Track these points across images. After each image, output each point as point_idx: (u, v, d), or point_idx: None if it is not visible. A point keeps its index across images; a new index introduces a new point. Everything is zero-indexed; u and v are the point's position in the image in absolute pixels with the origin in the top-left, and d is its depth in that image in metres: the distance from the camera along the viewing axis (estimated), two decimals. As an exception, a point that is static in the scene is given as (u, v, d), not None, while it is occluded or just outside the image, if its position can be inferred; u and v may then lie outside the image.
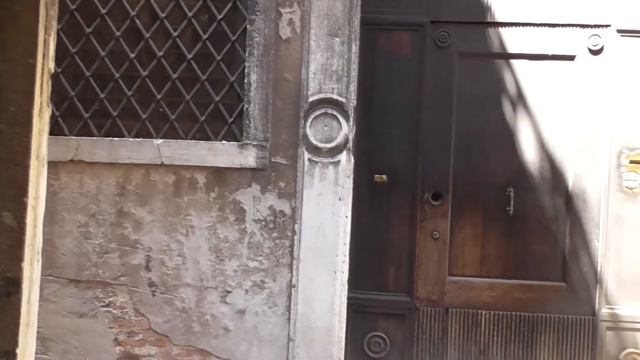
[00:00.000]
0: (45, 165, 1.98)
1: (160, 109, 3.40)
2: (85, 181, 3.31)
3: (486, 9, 3.55)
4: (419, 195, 3.49)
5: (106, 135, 3.37)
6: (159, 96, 3.39)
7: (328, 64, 3.26)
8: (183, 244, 3.29)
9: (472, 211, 3.51)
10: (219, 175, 3.28)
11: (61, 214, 3.29)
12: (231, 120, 3.38)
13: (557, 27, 3.53)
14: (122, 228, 3.30)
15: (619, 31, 3.47)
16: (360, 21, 3.32)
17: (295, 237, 3.23)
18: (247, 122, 3.29)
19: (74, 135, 3.36)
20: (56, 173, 3.25)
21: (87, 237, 3.30)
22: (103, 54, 3.39)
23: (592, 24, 3.50)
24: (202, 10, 3.40)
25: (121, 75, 3.40)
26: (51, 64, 2.09)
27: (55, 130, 3.14)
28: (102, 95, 3.40)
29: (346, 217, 3.23)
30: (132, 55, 3.39)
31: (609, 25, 3.48)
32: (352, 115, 3.25)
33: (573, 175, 3.48)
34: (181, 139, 3.36)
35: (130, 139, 3.33)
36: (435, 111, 3.52)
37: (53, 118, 2.92)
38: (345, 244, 3.23)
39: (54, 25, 2.11)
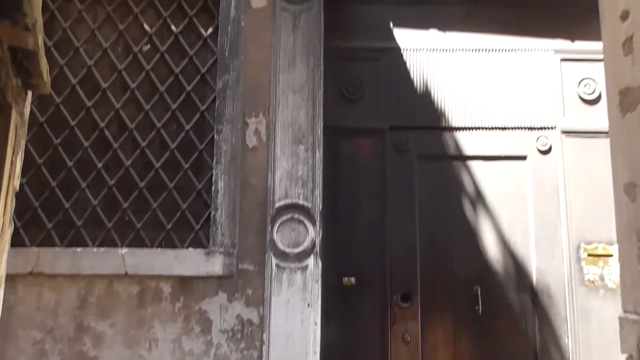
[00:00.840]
0: (3, 285, 1.92)
1: (126, 218, 3.38)
2: (44, 294, 3.18)
3: (441, 115, 3.80)
4: (388, 297, 3.49)
5: (69, 246, 3.30)
6: (125, 205, 3.38)
7: (293, 170, 3.36)
8: (146, 359, 3.13)
9: (441, 311, 3.51)
10: (185, 284, 3.22)
11: (16, 330, 3.13)
12: (198, 227, 3.38)
13: (507, 130, 3.79)
14: (80, 344, 3.14)
15: (564, 132, 3.74)
16: (323, 128, 3.48)
17: (264, 347, 3.13)
18: (214, 228, 3.30)
19: (35, 246, 3.28)
20: (13, 287, 3.13)
21: (42, 355, 3.12)
22: (70, 164, 3.41)
23: (539, 126, 3.76)
24: (170, 120, 3.52)
25: (88, 185, 3.40)
26: (17, 182, 2.10)
27: (15, 241, 3.06)
28: (67, 205, 3.37)
29: (315, 323, 3.17)
30: (100, 165, 3.43)
31: (554, 127, 3.75)
32: (319, 219, 3.31)
33: (536, 271, 3.56)
34: (147, 247, 3.32)
35: (94, 249, 3.27)
36: (399, 212, 3.62)
37: (14, 229, 2.88)
38: (315, 352, 3.14)
39: (22, 144, 2.15)
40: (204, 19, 3.62)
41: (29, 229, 3.34)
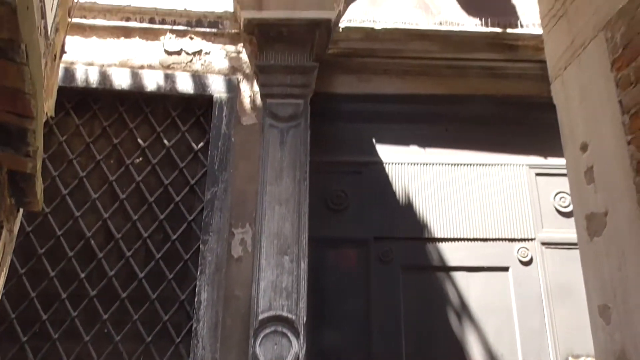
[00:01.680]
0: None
1: (105, 330, 3.30)
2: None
3: (424, 225, 3.89)
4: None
5: (42, 361, 3.18)
6: (105, 316, 3.32)
7: (278, 281, 3.36)
8: None
9: None
10: (162, 404, 3.08)
11: None
12: (179, 340, 3.30)
13: (488, 241, 3.87)
14: None
15: (543, 243, 3.83)
16: (309, 239, 3.53)
17: None
18: (195, 341, 3.22)
19: (6, 362, 3.15)
20: (-21, 406, 2.96)
21: None
22: (52, 274, 3.39)
23: (519, 237, 3.86)
24: (157, 230, 3.56)
25: (68, 295, 3.35)
26: (-2, 297, 2.08)
27: (-14, 356, 2.96)
28: (44, 317, 3.29)
29: None
30: (83, 275, 3.40)
31: (534, 239, 3.84)
32: (303, 332, 3.26)
33: (526, 386, 3.47)
34: (124, 361, 3.21)
35: (68, 365, 3.15)
36: (385, 324, 3.58)
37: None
38: None
39: (8, 259, 2.16)
40: (195, 133, 3.80)
41: (2, 343, 3.23)
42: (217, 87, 3.80)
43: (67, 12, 2.22)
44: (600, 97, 1.64)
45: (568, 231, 3.85)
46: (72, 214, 3.53)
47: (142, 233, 3.53)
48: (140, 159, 3.70)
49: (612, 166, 1.57)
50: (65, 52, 2.19)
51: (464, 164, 4.05)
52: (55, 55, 2.08)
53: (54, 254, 3.46)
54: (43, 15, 1.72)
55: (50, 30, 1.90)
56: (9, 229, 1.91)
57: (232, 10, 3.95)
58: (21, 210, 2.05)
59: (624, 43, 1.53)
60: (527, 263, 3.80)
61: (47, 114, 2.12)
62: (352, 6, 4.25)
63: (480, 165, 4.05)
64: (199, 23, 3.96)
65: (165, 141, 3.75)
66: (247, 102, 3.81)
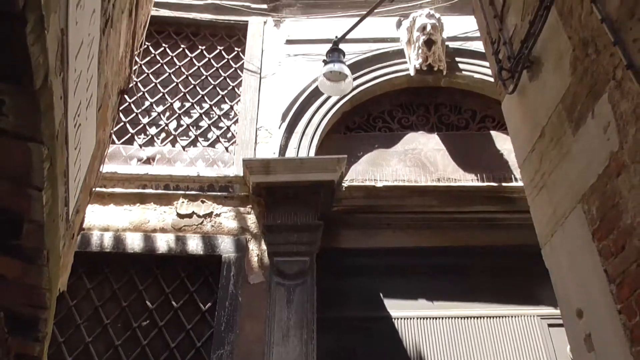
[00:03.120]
0: None
1: None
2: None
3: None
4: None
5: None
6: None
7: None
8: None
9: None
10: None
11: None
12: None
13: None
14: None
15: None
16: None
17: None
18: None
19: None
20: None
21: None
22: None
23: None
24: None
25: None
26: None
27: None
28: None
29: None
30: None
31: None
32: None
33: None
34: None
35: None
36: None
37: None
38: None
39: None
40: (203, 294, 3.85)
41: None
42: (226, 247, 3.93)
43: (89, 193, 2.42)
44: (587, 266, 1.71)
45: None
46: (74, 381, 3.46)
47: (145, 402, 3.41)
48: (148, 321, 3.70)
49: (608, 335, 1.58)
50: (83, 229, 2.35)
51: (474, 317, 3.99)
52: (73, 234, 2.23)
53: None
54: (66, 203, 1.89)
55: (72, 214, 2.07)
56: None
57: (241, 174, 4.23)
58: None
59: (600, 216, 1.64)
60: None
61: (60, 289, 2.21)
62: (353, 167, 4.55)
63: (490, 317, 3.99)
64: (211, 187, 4.22)
65: (174, 302, 3.78)
66: (254, 260, 3.91)
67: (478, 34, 5.29)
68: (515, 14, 2.26)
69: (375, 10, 5.38)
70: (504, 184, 4.35)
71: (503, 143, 4.70)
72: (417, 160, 4.65)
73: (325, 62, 3.92)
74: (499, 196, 4.33)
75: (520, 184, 4.30)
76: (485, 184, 4.38)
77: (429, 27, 4.82)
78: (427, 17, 4.90)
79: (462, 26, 5.26)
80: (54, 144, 1.27)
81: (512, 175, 4.45)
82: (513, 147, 2.36)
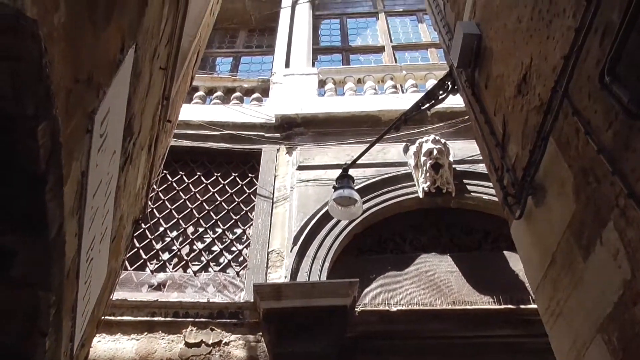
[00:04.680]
0: None
1: None
2: None
3: None
4: None
5: None
6: None
7: None
8: None
9: None
10: None
11: None
12: None
13: None
14: None
15: None
16: None
17: None
18: None
19: None
20: None
21: None
22: None
23: None
24: None
25: None
26: None
27: None
28: None
29: None
30: None
31: None
32: None
33: None
34: None
35: None
36: None
37: None
38: None
39: None
40: None
41: None
42: (234, 380, 3.75)
43: (97, 324, 2.38)
44: (616, 402, 1.60)
45: None
46: None
47: None
48: None
49: None
50: (87, 364, 2.28)
51: None
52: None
53: None
54: (71, 339, 1.86)
55: (76, 349, 2.02)
56: None
57: (252, 300, 4.16)
58: None
59: (622, 346, 1.57)
60: None
61: None
62: (366, 291, 4.46)
63: None
64: (220, 314, 4.14)
65: None
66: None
67: (483, 157, 5.52)
68: (516, 143, 2.35)
69: (383, 137, 5.66)
70: (522, 306, 4.21)
71: (517, 263, 4.62)
72: (431, 283, 4.56)
73: (335, 188, 4.03)
74: (519, 319, 4.17)
75: (539, 306, 4.17)
76: (503, 306, 4.25)
77: (435, 152, 5.00)
78: (433, 143, 5.11)
79: (468, 150, 5.44)
80: (62, 289, 1.29)
81: (530, 297, 4.31)
82: (525, 273, 2.33)
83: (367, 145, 4.50)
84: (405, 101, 6.05)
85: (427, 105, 3.60)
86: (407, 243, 4.99)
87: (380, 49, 8.02)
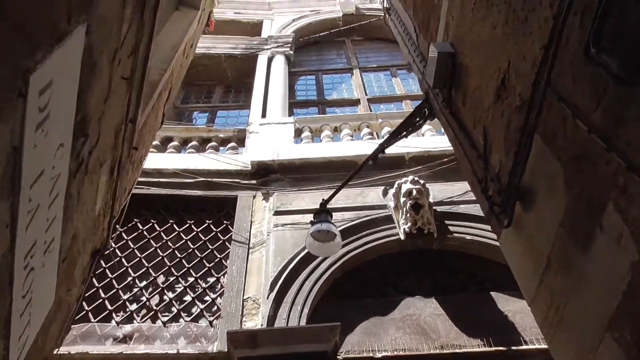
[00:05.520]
0: None
1: None
2: None
3: None
4: None
5: None
6: None
7: None
8: None
9: None
10: None
11: None
12: None
13: None
14: None
15: None
16: None
17: None
18: None
19: None
20: None
21: None
22: None
23: None
24: None
25: None
26: None
27: None
28: None
29: None
30: None
31: None
32: None
33: None
34: None
35: None
36: None
37: None
38: None
39: None
40: None
41: None
42: None
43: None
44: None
45: None
46: None
47: None
48: None
49: None
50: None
51: None
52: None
53: None
54: (5, 363, 1.60)
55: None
56: None
57: (225, 349, 3.84)
58: None
59: (636, 341, 1.38)
60: None
61: None
62: (348, 338, 4.17)
63: None
64: (191, 366, 3.79)
65: None
66: None
67: (463, 198, 5.41)
68: (498, 152, 2.24)
69: (361, 181, 5.55)
70: (513, 348, 3.97)
71: (506, 304, 4.43)
72: (417, 327, 4.30)
73: (313, 223, 3.84)
74: (511, 362, 3.92)
75: (531, 346, 3.94)
76: (494, 348, 4.00)
77: (414, 192, 4.89)
78: (412, 183, 5.01)
79: (447, 192, 5.37)
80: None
81: (521, 338, 4.08)
82: (519, 285, 2.14)
83: (344, 180, 4.35)
84: (382, 146, 6.03)
85: (405, 133, 3.51)
86: (390, 286, 4.76)
87: (355, 102, 8.10)
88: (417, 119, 3.36)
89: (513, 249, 2.16)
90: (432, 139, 6.21)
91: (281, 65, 8.54)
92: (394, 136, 3.60)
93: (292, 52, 9.08)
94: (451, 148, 5.98)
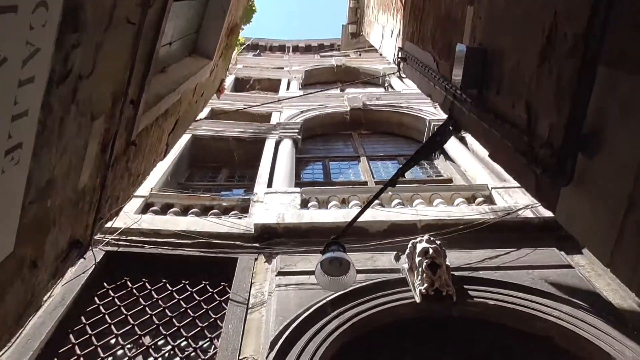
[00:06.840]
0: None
1: None
2: None
3: None
4: None
5: None
6: None
7: None
8: None
9: None
10: None
11: None
12: None
13: None
14: None
15: None
16: None
17: None
18: None
19: None
20: None
21: None
22: None
23: None
24: None
25: None
26: None
27: None
28: None
29: None
30: None
31: None
32: None
33: None
34: None
35: None
36: None
37: None
38: None
39: None
40: None
41: None
42: None
43: None
44: None
45: None
46: None
47: None
48: None
49: None
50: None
51: None
52: None
53: None
54: None
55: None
56: None
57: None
58: None
59: None
60: None
61: None
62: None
63: None
64: None
65: None
66: None
67: (483, 265, 4.97)
68: (549, 115, 1.97)
69: (371, 244, 5.17)
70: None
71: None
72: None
73: (324, 252, 3.41)
74: None
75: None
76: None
77: (431, 251, 4.50)
78: (427, 243, 4.63)
79: (464, 259, 4.98)
80: None
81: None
82: (590, 251, 1.73)
83: (354, 217, 3.97)
84: (394, 214, 5.70)
85: (428, 151, 3.24)
86: (408, 355, 4.16)
87: (363, 184, 7.92)
88: (439, 138, 3.10)
89: (577, 208, 1.79)
90: (445, 209, 5.93)
91: (288, 147, 8.51)
92: (418, 156, 3.32)
93: (299, 137, 9.11)
94: (466, 216, 5.70)
